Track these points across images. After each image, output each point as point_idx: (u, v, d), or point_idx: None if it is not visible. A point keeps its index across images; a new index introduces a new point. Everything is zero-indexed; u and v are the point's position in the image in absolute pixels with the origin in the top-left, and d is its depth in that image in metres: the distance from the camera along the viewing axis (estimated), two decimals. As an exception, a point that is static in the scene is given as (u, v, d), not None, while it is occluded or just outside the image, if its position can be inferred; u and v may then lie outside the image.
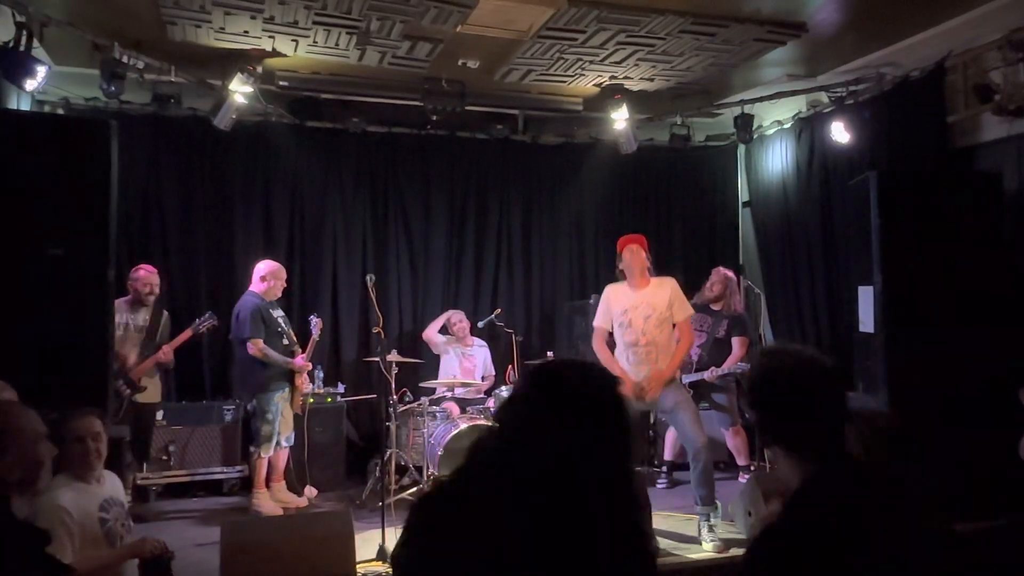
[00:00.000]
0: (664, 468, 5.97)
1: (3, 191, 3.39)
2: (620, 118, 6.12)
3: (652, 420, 6.11)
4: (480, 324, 6.43)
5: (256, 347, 5.15)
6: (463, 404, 5.93)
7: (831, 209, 6.04)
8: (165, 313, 5.37)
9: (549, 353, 6.20)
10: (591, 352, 6.35)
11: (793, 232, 6.50)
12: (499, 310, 6.52)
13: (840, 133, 5.58)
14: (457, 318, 6.37)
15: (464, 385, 5.97)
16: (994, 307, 4.33)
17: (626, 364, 4.53)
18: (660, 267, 5.29)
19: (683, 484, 5.51)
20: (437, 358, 6.37)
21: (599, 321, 4.74)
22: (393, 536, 4.06)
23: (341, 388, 6.12)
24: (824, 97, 5.88)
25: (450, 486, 1.34)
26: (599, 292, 6.62)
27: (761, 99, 6.02)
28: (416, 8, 4.53)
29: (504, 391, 5.75)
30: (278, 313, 5.43)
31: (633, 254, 4.53)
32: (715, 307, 5.79)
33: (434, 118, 6.00)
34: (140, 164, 5.88)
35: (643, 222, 7.23)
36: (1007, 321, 4.31)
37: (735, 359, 5.41)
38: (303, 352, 5.42)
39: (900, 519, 1.47)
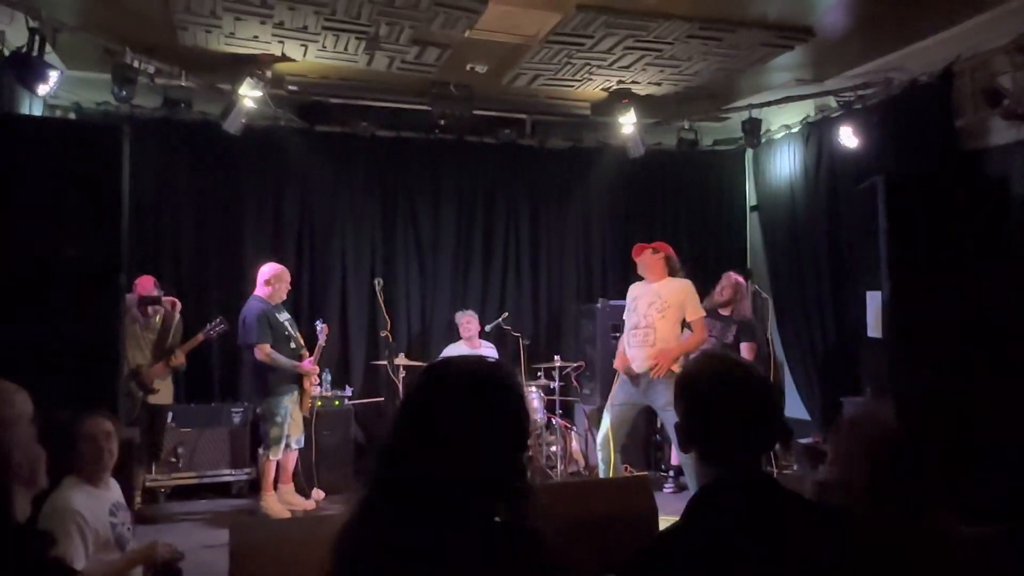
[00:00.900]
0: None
1: (17, 195, 3.43)
2: (628, 122, 6.13)
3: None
4: (488, 328, 6.44)
5: (263, 352, 5.17)
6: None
7: (839, 214, 6.03)
8: (178, 315, 5.37)
9: (556, 357, 6.19)
10: (597, 354, 6.36)
11: (801, 236, 6.49)
12: (506, 313, 6.53)
13: (848, 138, 5.58)
14: (466, 319, 6.37)
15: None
16: (1002, 312, 4.32)
17: (627, 347, 4.87)
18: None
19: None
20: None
21: (625, 315, 5.09)
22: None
23: (349, 391, 6.14)
24: (832, 102, 5.87)
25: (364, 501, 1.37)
26: (606, 296, 6.68)
27: (769, 103, 6.03)
28: (425, 14, 4.56)
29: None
30: (284, 316, 5.44)
31: (647, 257, 4.95)
32: (724, 312, 5.78)
33: (442, 122, 6.03)
34: (150, 168, 5.91)
35: (650, 226, 7.24)
36: (1015, 326, 4.29)
37: (743, 364, 5.40)
38: (310, 355, 5.44)
39: (802, 539, 1.41)
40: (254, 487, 5.55)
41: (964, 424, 3.94)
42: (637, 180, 7.18)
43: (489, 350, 6.41)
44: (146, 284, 5.28)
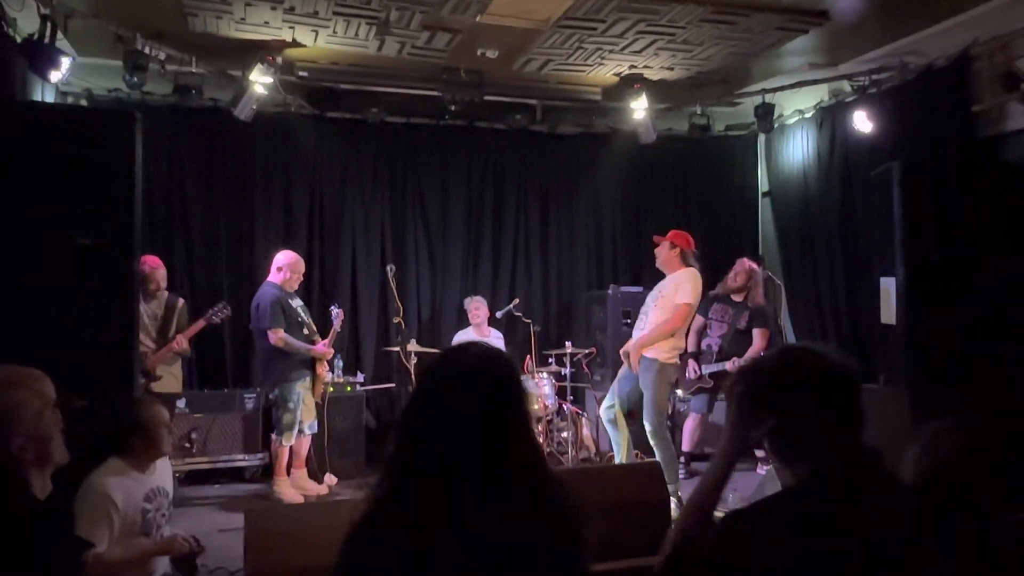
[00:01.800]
0: (682, 459, 5.97)
1: (29, 182, 3.43)
2: (639, 108, 6.09)
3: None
4: (499, 314, 6.44)
5: (277, 336, 5.19)
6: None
7: (852, 199, 5.98)
8: (181, 300, 5.29)
9: (567, 343, 6.19)
10: (608, 341, 6.36)
11: (813, 223, 6.45)
12: (517, 300, 6.53)
13: (862, 122, 5.52)
14: (475, 304, 6.37)
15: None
16: (1019, 300, 4.28)
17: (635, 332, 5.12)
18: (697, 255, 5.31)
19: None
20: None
21: None
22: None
23: (360, 377, 6.17)
24: (846, 86, 5.81)
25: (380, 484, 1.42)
26: (617, 282, 6.67)
27: (782, 88, 5.97)
28: (436, -2, 4.54)
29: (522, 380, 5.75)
30: (297, 303, 5.46)
31: (663, 251, 5.07)
32: (736, 298, 5.77)
33: (452, 108, 6.01)
34: (161, 155, 5.92)
35: (661, 212, 7.21)
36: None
37: (756, 350, 5.39)
38: (323, 340, 5.46)
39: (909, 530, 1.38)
40: (267, 472, 5.58)
41: (980, 412, 3.91)
42: (648, 166, 7.14)
43: (497, 339, 6.41)
44: (152, 263, 5.21)
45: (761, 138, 7.17)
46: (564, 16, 4.80)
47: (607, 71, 5.92)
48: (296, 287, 5.51)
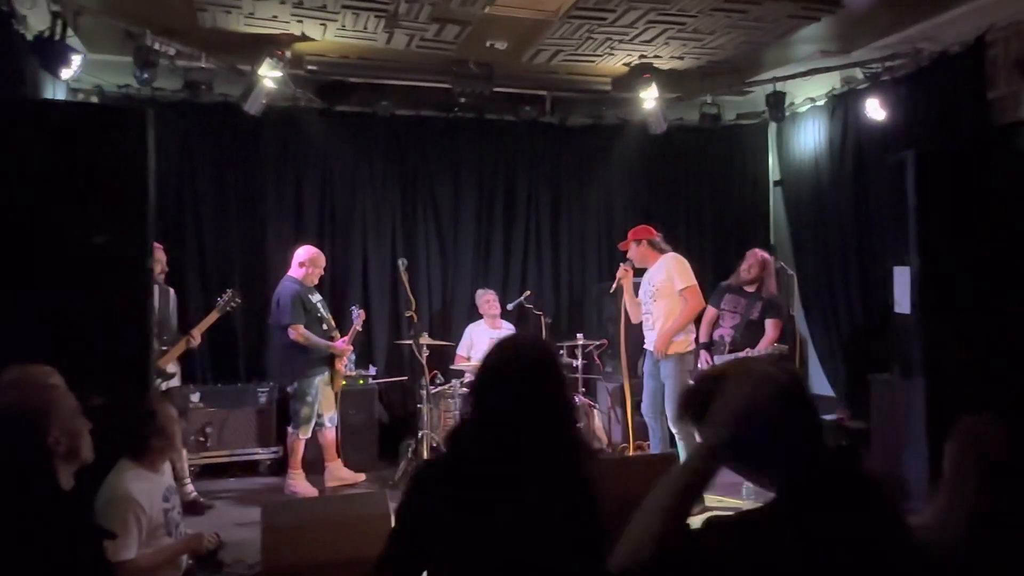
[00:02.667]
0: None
1: (42, 180, 3.45)
2: (649, 98, 6.05)
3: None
4: (510, 306, 6.44)
5: (297, 332, 5.23)
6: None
7: (865, 188, 5.94)
8: (171, 291, 5.18)
9: (579, 335, 6.19)
10: (618, 333, 6.39)
11: (826, 212, 6.41)
12: (528, 292, 6.53)
13: (875, 110, 5.47)
14: (488, 297, 6.37)
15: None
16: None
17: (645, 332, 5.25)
18: (690, 247, 5.34)
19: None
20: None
21: None
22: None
23: (373, 371, 6.18)
24: (859, 74, 5.75)
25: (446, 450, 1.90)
26: (629, 274, 6.65)
27: (793, 76, 5.91)
28: (445, -10, 4.52)
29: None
30: (316, 298, 5.50)
31: (633, 250, 5.27)
32: (749, 288, 5.73)
33: (462, 100, 5.99)
34: (172, 150, 5.93)
35: (672, 203, 7.18)
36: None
37: (769, 341, 5.37)
38: (343, 337, 5.50)
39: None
40: (281, 465, 5.62)
41: (995, 402, 3.89)
42: (659, 156, 7.10)
43: (509, 330, 6.40)
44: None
45: (772, 127, 7.12)
46: (573, 6, 4.77)
47: (617, 61, 5.88)
48: (316, 282, 5.55)
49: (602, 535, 1.66)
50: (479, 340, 6.27)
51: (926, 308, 4.33)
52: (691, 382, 1.76)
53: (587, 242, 7.14)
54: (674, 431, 4.90)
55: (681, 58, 5.81)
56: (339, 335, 5.51)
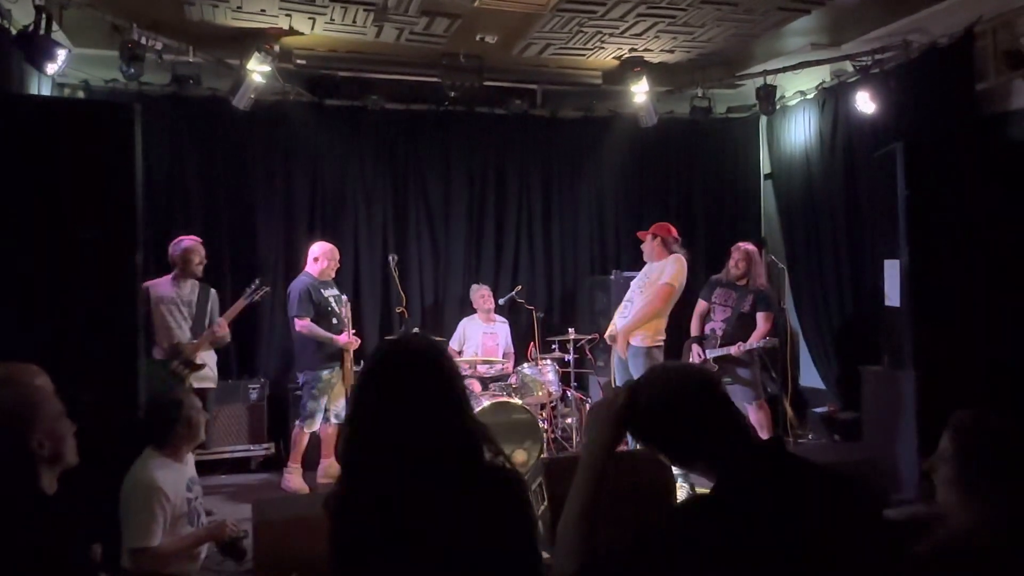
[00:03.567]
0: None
1: (29, 176, 3.42)
2: (640, 91, 6.05)
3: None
4: (501, 301, 6.43)
5: (302, 324, 5.24)
6: (485, 381, 5.95)
7: (856, 181, 5.95)
8: (212, 290, 5.09)
9: (570, 329, 6.19)
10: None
11: (816, 205, 6.42)
12: (519, 287, 6.52)
13: (865, 103, 5.48)
14: (482, 292, 6.35)
15: (487, 362, 5.99)
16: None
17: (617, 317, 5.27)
18: (681, 240, 5.32)
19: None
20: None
21: None
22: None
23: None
24: (849, 66, 5.76)
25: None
26: (620, 267, 6.65)
27: (784, 69, 5.92)
28: (434, -17, 4.50)
29: (527, 368, 5.76)
30: (330, 292, 5.47)
31: (647, 244, 5.28)
32: (739, 282, 5.75)
33: (452, 94, 5.97)
34: (160, 145, 5.89)
35: (663, 196, 7.18)
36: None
37: (760, 334, 5.37)
38: (346, 331, 5.48)
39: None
40: (272, 462, 5.61)
41: (986, 394, 3.92)
42: (650, 149, 7.10)
43: (503, 326, 6.40)
44: (192, 243, 4.97)
45: (763, 120, 7.13)
46: (563, -1, 4.76)
47: (607, 55, 5.87)
48: (333, 275, 5.55)
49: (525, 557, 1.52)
50: (472, 334, 6.27)
51: (916, 301, 4.35)
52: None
53: (579, 235, 7.14)
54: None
55: (671, 51, 5.80)
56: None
